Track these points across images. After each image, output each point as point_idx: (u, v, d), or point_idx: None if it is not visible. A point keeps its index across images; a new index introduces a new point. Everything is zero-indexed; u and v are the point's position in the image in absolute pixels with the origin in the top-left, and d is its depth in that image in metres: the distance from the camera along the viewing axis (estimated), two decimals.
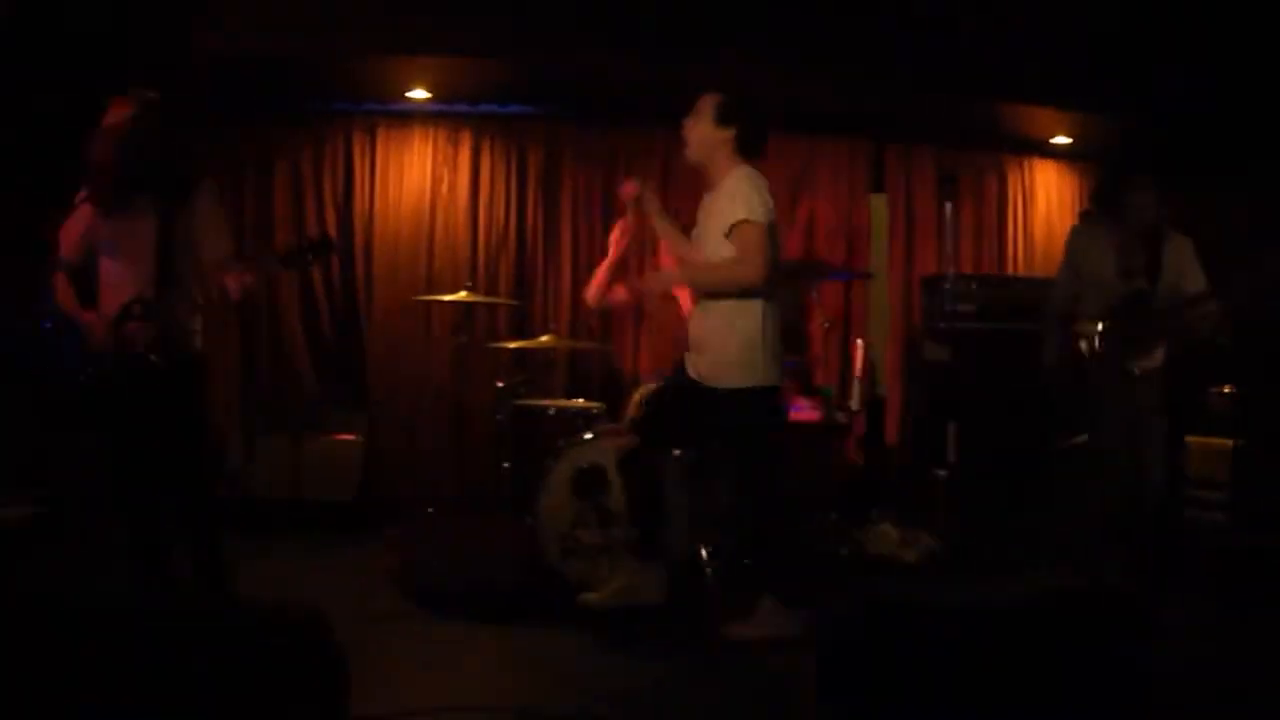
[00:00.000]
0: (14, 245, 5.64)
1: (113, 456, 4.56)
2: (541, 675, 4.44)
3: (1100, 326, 5.51)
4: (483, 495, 6.82)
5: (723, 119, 4.86)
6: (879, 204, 8.22)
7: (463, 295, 6.44)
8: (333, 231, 7.70)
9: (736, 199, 4.75)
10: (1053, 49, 7.17)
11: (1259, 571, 6.21)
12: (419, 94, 7.70)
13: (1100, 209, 6.08)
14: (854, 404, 6.91)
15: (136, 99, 4.48)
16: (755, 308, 4.80)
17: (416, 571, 5.56)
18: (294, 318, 7.70)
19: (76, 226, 4.61)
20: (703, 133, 4.90)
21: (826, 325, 6.73)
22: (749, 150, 4.92)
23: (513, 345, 6.65)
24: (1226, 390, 7.23)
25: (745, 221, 4.69)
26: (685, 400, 5.03)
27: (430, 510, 6.20)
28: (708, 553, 5.63)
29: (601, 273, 5.97)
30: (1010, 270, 8.58)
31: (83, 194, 4.60)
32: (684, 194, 7.93)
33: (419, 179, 7.89)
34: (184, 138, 4.83)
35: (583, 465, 5.60)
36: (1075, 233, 5.93)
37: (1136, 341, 5.50)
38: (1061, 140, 8.63)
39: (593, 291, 6.01)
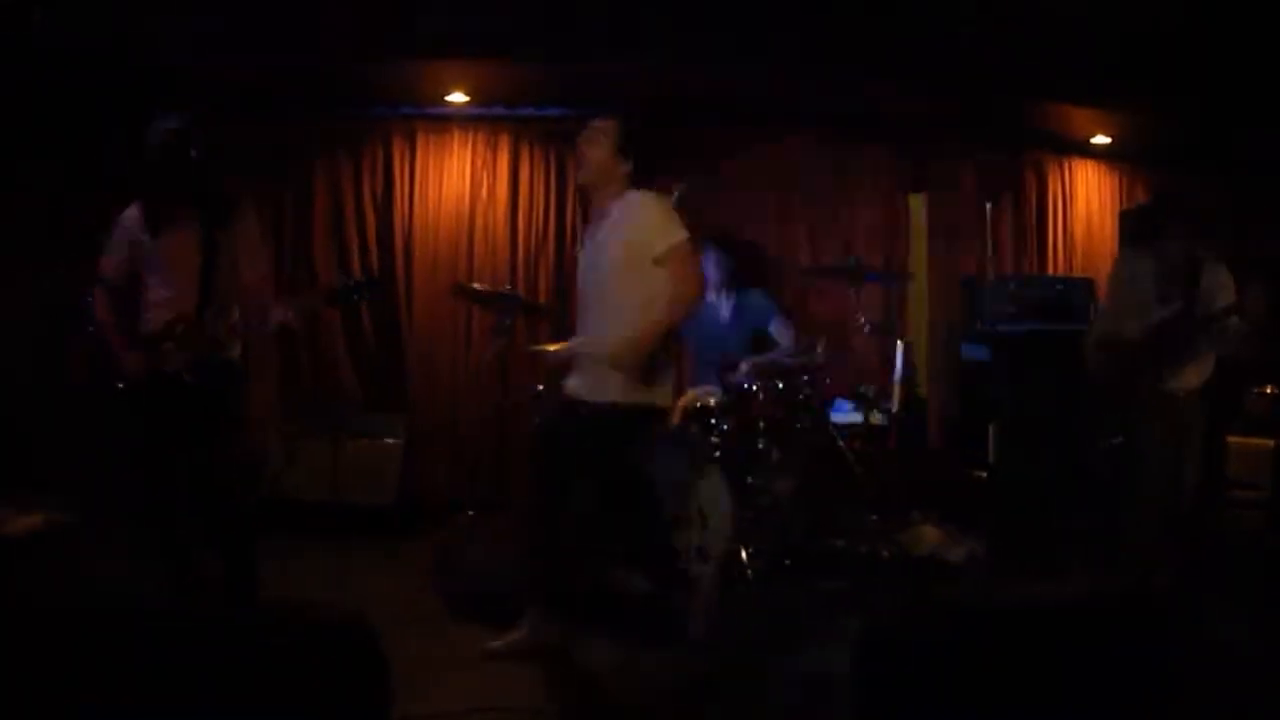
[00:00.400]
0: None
1: (141, 466, 4.61)
2: (575, 677, 4.49)
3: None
4: (522, 499, 6.81)
5: (624, 152, 4.86)
6: (918, 204, 8.21)
7: (506, 288, 6.44)
8: (372, 236, 7.76)
9: (654, 228, 4.70)
10: (1093, 49, 7.14)
11: None
12: (457, 97, 7.73)
13: (1142, 235, 6.12)
14: (894, 405, 6.90)
15: (173, 119, 4.53)
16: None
17: (456, 575, 5.60)
18: (335, 327, 7.75)
19: (121, 244, 4.68)
20: (602, 163, 4.86)
21: (867, 327, 6.68)
22: (640, 177, 4.92)
23: (552, 348, 6.65)
24: (1267, 391, 7.19)
25: (678, 243, 4.66)
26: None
27: (470, 513, 6.21)
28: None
29: None
30: (1050, 270, 8.53)
31: (126, 211, 4.69)
32: (730, 195, 8.02)
33: (458, 182, 7.92)
34: (220, 160, 4.86)
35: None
36: (1119, 261, 5.99)
37: (1173, 358, 5.53)
38: (1101, 140, 8.59)
39: None
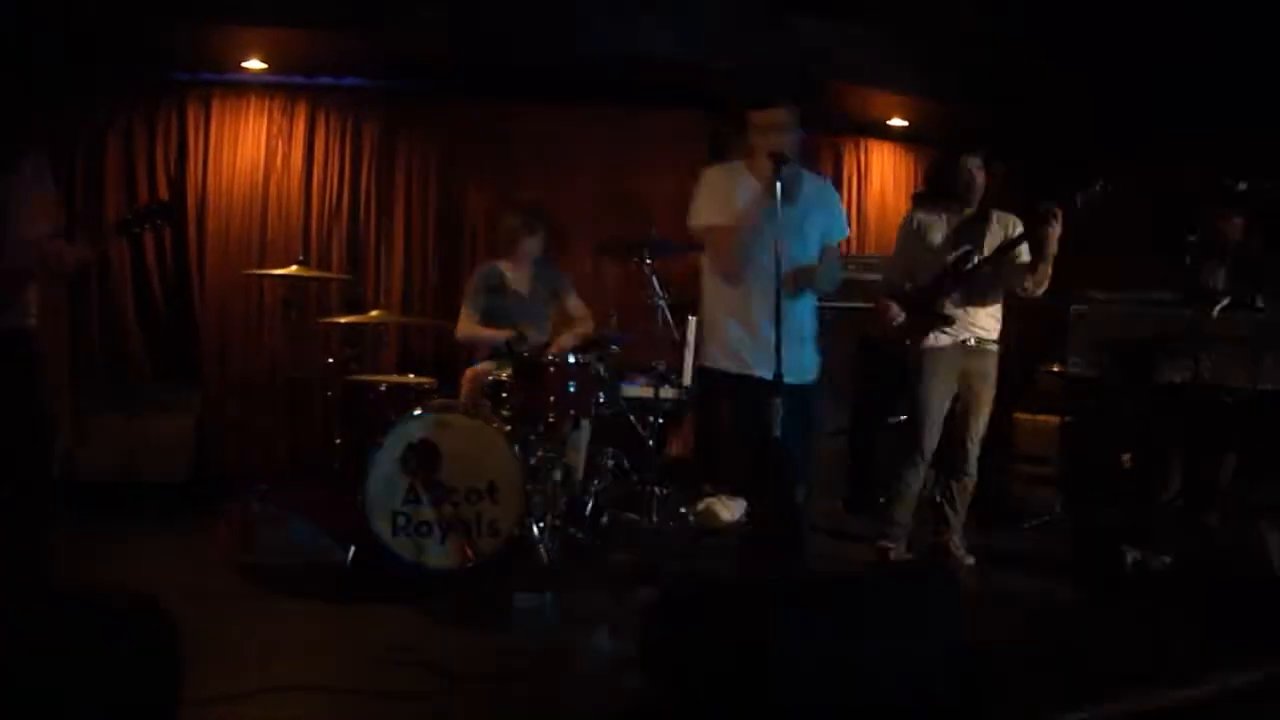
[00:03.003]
0: None
1: None
2: (373, 653, 4.43)
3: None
4: (316, 471, 6.75)
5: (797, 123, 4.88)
6: None
7: (294, 269, 6.34)
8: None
9: (841, 214, 5.22)
10: (891, 34, 7.33)
11: (1082, 544, 6.47)
12: (255, 64, 7.56)
13: (933, 189, 6.30)
14: (686, 379, 7.00)
15: None
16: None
17: (250, 550, 5.54)
18: (126, 294, 7.52)
19: None
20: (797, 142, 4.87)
21: (661, 303, 6.77)
22: None
23: (344, 320, 6.59)
24: (1055, 369, 7.47)
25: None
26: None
27: (264, 487, 6.13)
28: None
29: None
30: (843, 248, 8.73)
31: None
32: (527, 169, 8.04)
33: (253, 151, 7.77)
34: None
35: (413, 441, 5.58)
36: (910, 215, 6.13)
37: (965, 299, 5.78)
38: (898, 123, 8.84)
39: None
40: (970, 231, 5.80)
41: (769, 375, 4.58)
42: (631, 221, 7.74)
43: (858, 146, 9.06)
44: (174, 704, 2.96)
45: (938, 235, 5.86)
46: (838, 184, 8.88)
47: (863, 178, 9.10)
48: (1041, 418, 7.72)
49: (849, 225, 4.92)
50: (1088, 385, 6.93)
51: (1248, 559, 5.76)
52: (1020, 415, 7.81)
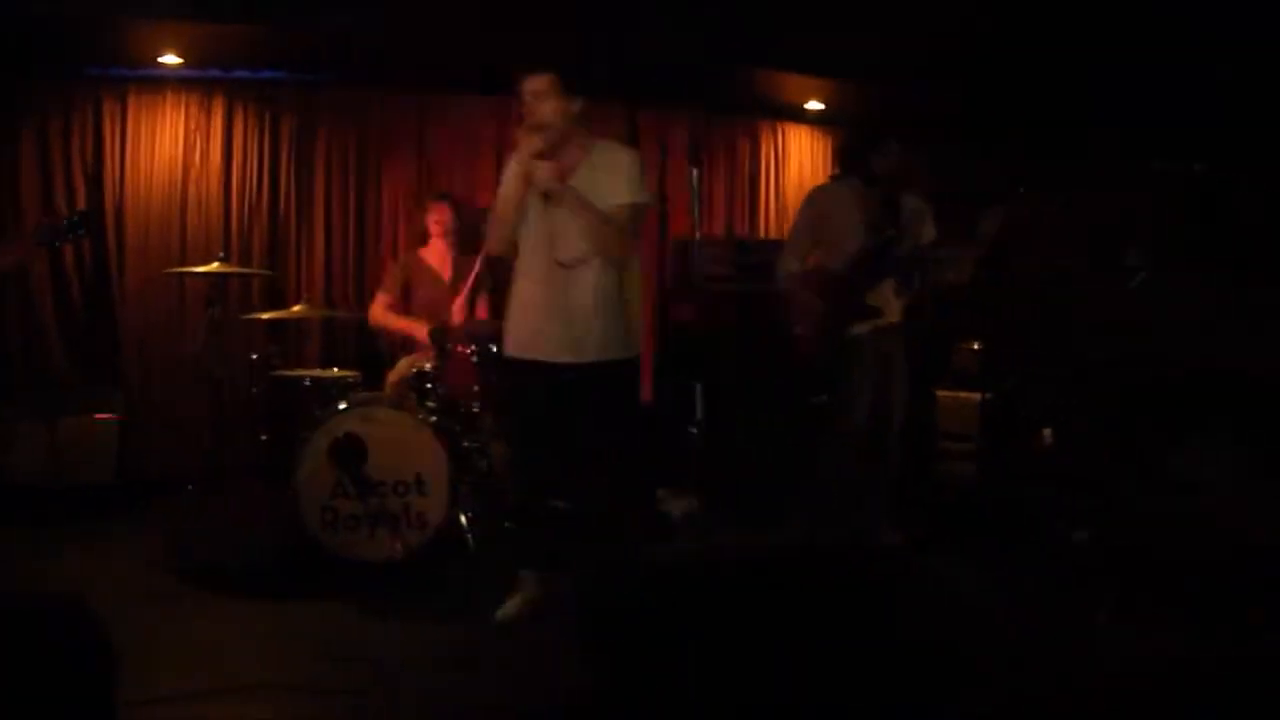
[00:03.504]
0: None
1: None
2: (306, 649, 4.50)
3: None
4: (243, 469, 6.75)
5: (568, 92, 4.71)
6: None
7: (215, 266, 6.31)
8: (81, 203, 7.47)
9: (629, 180, 4.72)
10: (807, 16, 7.39)
11: (1004, 521, 6.60)
12: (171, 59, 7.48)
13: (846, 168, 6.39)
14: None
15: None
16: (618, 278, 4.82)
17: (179, 550, 5.55)
18: (45, 296, 7.41)
19: None
20: (557, 112, 4.67)
21: None
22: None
23: (266, 316, 6.59)
24: (974, 346, 7.60)
25: (640, 205, 4.75)
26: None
27: (190, 487, 6.14)
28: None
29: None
30: (762, 232, 8.85)
31: None
32: (442, 160, 8.07)
33: (171, 147, 7.69)
34: None
35: (339, 435, 5.61)
36: (818, 191, 6.22)
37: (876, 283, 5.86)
38: (814, 106, 8.91)
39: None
40: (886, 214, 5.90)
41: (546, 357, 4.71)
42: None
43: (774, 131, 9.15)
44: (110, 705, 2.97)
45: (846, 215, 5.94)
46: (755, 170, 9.00)
47: (780, 162, 9.19)
48: (962, 394, 7.85)
49: (644, 190, 4.73)
50: (1007, 361, 7.07)
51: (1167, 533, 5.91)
52: (941, 393, 7.95)
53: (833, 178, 6.48)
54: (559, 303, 4.69)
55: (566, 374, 4.72)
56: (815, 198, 6.17)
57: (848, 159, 6.39)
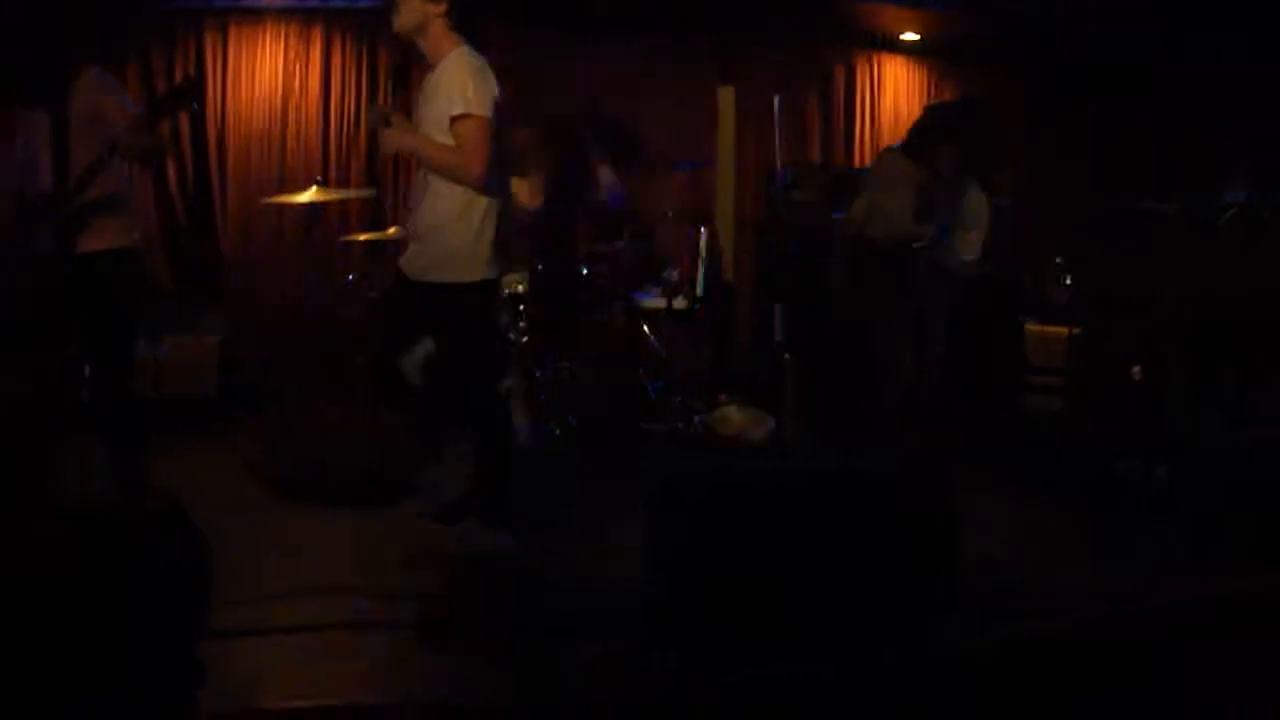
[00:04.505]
0: None
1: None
2: (386, 554, 4.62)
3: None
4: (338, 387, 6.90)
5: None
6: (726, 96, 8.38)
7: (314, 192, 6.39)
8: (185, 132, 7.70)
9: (454, 88, 4.35)
10: None
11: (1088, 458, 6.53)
12: None
13: (914, 148, 6.33)
14: (699, 290, 7.12)
15: None
16: (477, 203, 4.44)
17: (275, 460, 5.68)
18: (150, 219, 7.59)
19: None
20: (412, 7, 4.44)
21: (670, 214, 6.87)
22: (463, 27, 4.52)
23: (364, 238, 6.72)
24: (1067, 282, 7.52)
25: (466, 116, 4.32)
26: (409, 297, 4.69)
27: (288, 401, 6.29)
28: None
29: None
30: (857, 163, 8.81)
31: None
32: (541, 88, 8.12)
33: (271, 77, 7.88)
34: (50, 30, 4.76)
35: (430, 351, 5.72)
36: (886, 154, 6.23)
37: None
38: (910, 36, 8.84)
39: None
40: (935, 206, 5.91)
41: (403, 266, 4.61)
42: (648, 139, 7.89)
43: (870, 61, 9.06)
44: (206, 603, 3.10)
45: (900, 192, 5.98)
46: (850, 100, 8.94)
47: (876, 93, 9.10)
48: (1051, 329, 7.78)
49: (474, 102, 4.30)
50: (1097, 297, 6.99)
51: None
52: (1031, 327, 7.88)
53: (903, 148, 6.35)
54: (413, 218, 4.60)
55: (410, 287, 4.60)
56: (880, 161, 6.19)
57: (909, 148, 6.28)
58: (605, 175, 6.87)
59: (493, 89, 4.42)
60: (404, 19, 4.48)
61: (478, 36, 4.59)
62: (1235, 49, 7.06)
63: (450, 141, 4.37)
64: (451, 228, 4.44)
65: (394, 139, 4.67)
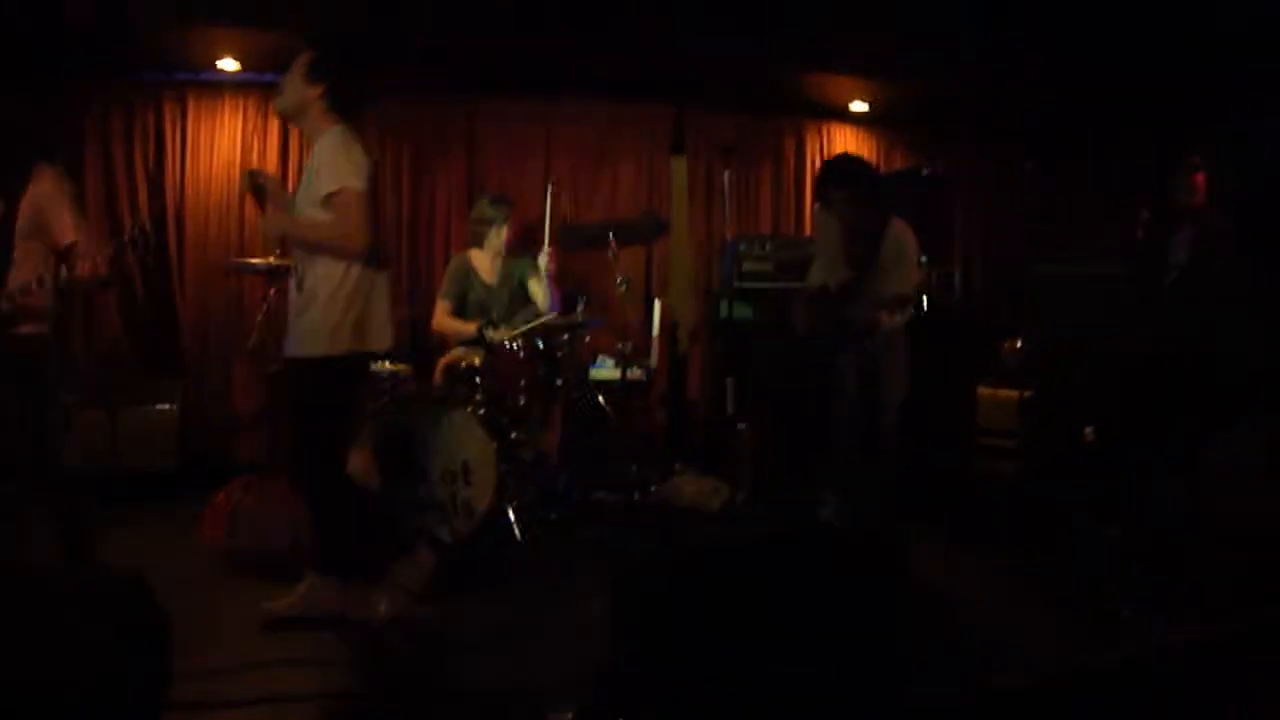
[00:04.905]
0: None
1: None
2: (346, 627, 4.62)
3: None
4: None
5: (312, 76, 4.55)
6: (679, 166, 8.52)
7: (271, 260, 6.37)
8: (144, 201, 7.79)
9: (327, 166, 4.46)
10: (852, 18, 7.45)
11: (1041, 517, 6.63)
12: (229, 64, 7.75)
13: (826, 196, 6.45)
14: (652, 361, 7.21)
15: None
16: (351, 274, 4.54)
17: (234, 537, 5.69)
18: (109, 290, 7.62)
19: None
20: (293, 90, 4.58)
21: (623, 286, 6.92)
22: (342, 109, 4.61)
23: None
24: (1017, 344, 7.62)
25: (341, 190, 4.41)
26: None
27: (246, 476, 6.30)
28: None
29: None
30: (809, 231, 8.92)
31: None
32: (494, 159, 8.24)
33: (229, 148, 7.98)
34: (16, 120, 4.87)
35: (389, 426, 5.78)
36: (815, 218, 6.35)
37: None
38: (859, 106, 8.99)
39: None
40: (860, 248, 6.00)
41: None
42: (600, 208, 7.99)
43: (820, 131, 9.23)
44: (166, 676, 3.13)
45: (828, 240, 6.09)
46: (800, 168, 9.09)
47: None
48: (1003, 392, 7.88)
49: (342, 175, 4.40)
50: (1047, 359, 7.09)
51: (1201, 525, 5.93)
52: (983, 390, 7.98)
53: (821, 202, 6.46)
54: (291, 299, 4.69)
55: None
56: (815, 219, 6.29)
57: (818, 192, 6.42)
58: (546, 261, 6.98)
59: (364, 161, 4.53)
60: (284, 100, 4.66)
61: (358, 119, 4.72)
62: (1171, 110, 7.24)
63: (329, 218, 4.47)
64: (323, 303, 4.50)
65: (275, 223, 4.88)
